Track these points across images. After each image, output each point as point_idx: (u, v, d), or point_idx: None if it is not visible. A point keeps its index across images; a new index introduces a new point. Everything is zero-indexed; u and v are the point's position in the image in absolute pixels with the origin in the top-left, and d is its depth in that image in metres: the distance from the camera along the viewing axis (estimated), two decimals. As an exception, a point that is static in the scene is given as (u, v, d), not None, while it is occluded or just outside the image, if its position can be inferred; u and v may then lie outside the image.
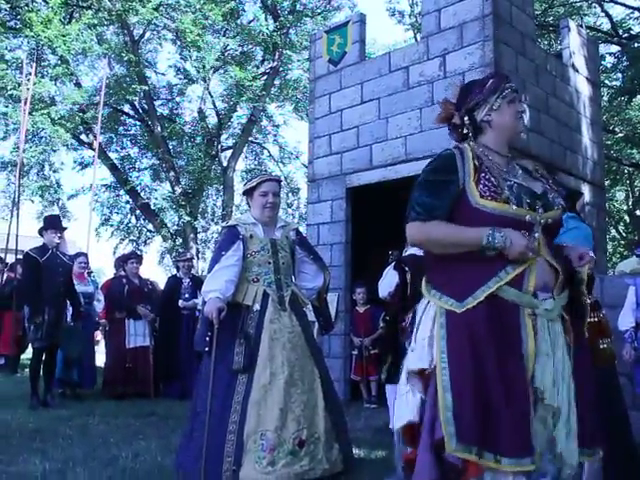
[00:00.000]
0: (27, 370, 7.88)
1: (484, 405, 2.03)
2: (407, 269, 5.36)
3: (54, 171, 18.64)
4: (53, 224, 7.00)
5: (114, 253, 19.94)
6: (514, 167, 2.36)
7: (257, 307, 3.62)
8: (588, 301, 2.37)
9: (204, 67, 16.47)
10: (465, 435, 2.02)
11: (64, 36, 14.82)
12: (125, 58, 16.56)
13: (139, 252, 20.54)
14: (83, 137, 18.46)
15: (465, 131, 2.41)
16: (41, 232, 6.97)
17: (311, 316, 4.08)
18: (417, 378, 2.26)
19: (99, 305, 8.23)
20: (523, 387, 2.07)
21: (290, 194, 21.44)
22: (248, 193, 3.89)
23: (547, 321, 2.16)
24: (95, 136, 15.07)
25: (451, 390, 2.07)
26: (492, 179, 2.23)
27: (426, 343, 2.22)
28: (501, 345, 2.09)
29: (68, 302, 6.98)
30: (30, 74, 12.56)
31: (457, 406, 2.05)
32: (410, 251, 5.58)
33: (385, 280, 5.68)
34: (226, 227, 3.88)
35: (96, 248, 16.23)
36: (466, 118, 2.39)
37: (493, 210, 2.19)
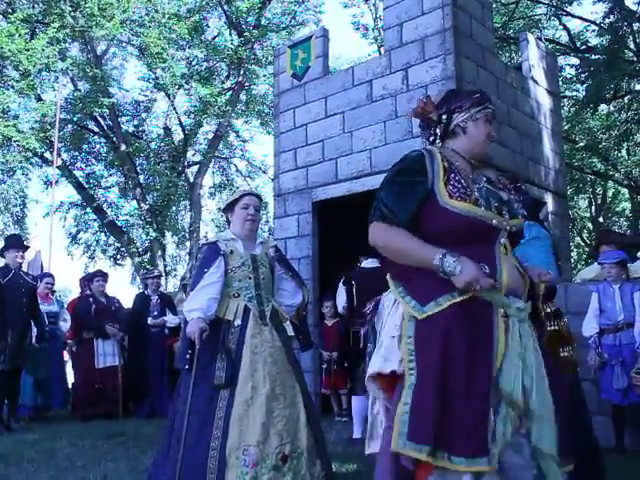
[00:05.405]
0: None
1: (444, 406, 2.00)
2: (353, 283, 5.54)
3: (25, 174, 18.50)
4: (14, 244, 6.84)
5: (85, 271, 19.62)
6: (479, 175, 2.38)
7: (238, 322, 3.60)
8: (544, 314, 2.40)
9: (174, 75, 16.42)
10: (418, 434, 1.99)
11: (27, 50, 14.68)
12: (90, 74, 16.42)
13: (118, 265, 20.32)
14: (47, 155, 18.25)
15: (437, 130, 2.42)
16: (2, 253, 6.81)
17: (290, 332, 4.06)
18: (379, 384, 2.22)
19: (65, 325, 8.09)
20: (486, 387, 2.04)
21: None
22: (228, 208, 3.89)
23: (518, 322, 2.14)
24: (59, 154, 14.87)
25: (414, 391, 2.05)
26: (462, 180, 2.25)
27: (395, 342, 2.17)
28: (470, 346, 2.06)
29: (32, 323, 6.82)
30: None
31: (415, 406, 2.02)
32: (362, 264, 5.84)
33: (339, 296, 5.93)
34: (206, 244, 3.86)
35: (62, 266, 15.97)
36: (445, 116, 2.38)
37: (461, 210, 2.18)
